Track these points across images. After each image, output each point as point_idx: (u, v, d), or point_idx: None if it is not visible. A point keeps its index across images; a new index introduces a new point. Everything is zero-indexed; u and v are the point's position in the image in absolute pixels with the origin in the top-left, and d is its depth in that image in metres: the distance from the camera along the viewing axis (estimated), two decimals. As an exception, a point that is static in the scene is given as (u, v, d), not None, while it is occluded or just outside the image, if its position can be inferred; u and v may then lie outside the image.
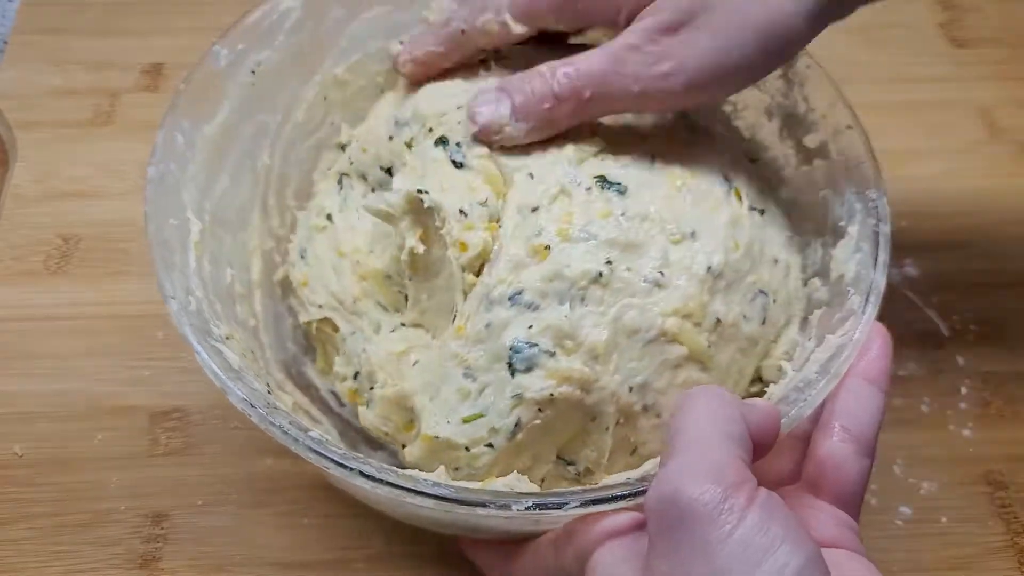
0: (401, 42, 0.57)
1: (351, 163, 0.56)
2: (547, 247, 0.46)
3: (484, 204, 0.48)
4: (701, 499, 0.34)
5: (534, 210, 0.48)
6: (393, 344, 0.50)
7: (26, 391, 0.59)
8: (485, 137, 0.49)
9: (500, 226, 0.48)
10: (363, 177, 0.56)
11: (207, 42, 0.54)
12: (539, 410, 0.45)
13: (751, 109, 0.57)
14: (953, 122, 0.74)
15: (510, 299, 0.45)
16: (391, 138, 0.54)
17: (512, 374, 0.45)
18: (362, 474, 0.40)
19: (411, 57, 0.55)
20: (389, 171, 0.54)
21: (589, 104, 0.48)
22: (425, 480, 0.40)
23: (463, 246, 0.47)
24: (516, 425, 0.45)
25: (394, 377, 0.49)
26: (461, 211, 0.47)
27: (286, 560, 0.53)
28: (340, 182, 0.57)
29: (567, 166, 0.49)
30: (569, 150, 0.49)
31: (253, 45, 0.55)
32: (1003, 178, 0.71)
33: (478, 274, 0.47)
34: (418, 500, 0.39)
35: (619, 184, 0.48)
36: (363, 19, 0.59)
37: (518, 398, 0.45)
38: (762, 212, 0.52)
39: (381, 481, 0.40)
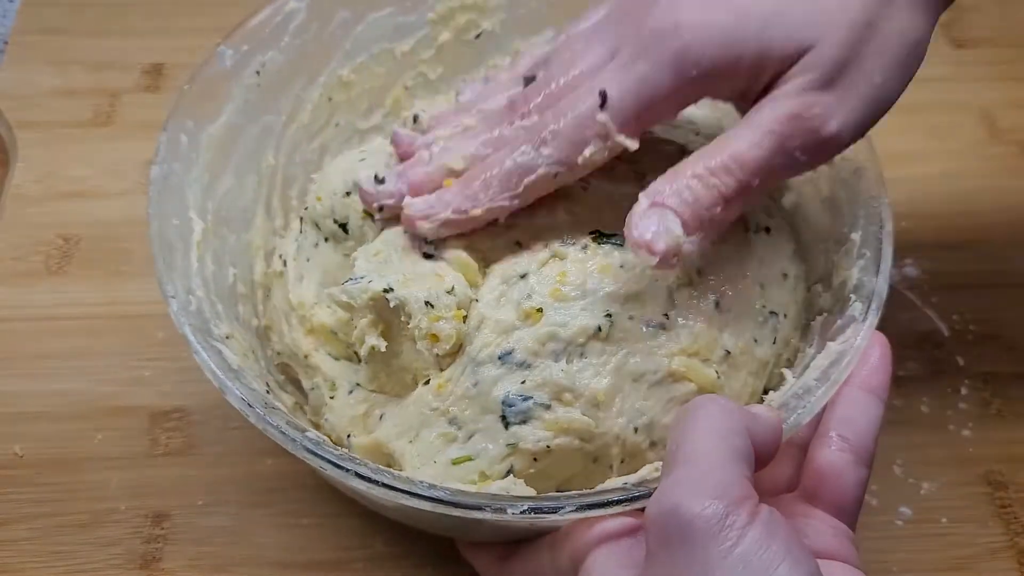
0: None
1: (306, 208, 0.55)
2: (539, 309, 0.44)
3: (451, 292, 0.46)
4: (703, 515, 0.34)
5: (523, 277, 0.46)
6: (354, 408, 0.50)
7: (26, 391, 0.58)
8: (665, 263, 0.42)
9: (477, 300, 0.46)
10: (316, 225, 0.54)
11: (207, 42, 0.54)
12: (534, 459, 0.44)
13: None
14: (953, 122, 0.74)
15: (500, 358, 0.44)
16: (348, 194, 0.52)
17: (506, 426, 0.44)
18: (358, 475, 0.40)
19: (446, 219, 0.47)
20: (344, 227, 0.52)
21: (756, 191, 0.44)
22: (421, 483, 0.40)
23: (434, 338, 0.45)
24: (509, 472, 0.44)
25: (364, 433, 0.49)
26: (427, 303, 0.45)
27: (286, 560, 0.53)
28: (301, 225, 0.55)
29: (558, 231, 0.47)
30: (560, 214, 0.47)
31: (258, 46, 0.55)
32: (1003, 178, 0.71)
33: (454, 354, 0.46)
34: (413, 503, 0.39)
35: (616, 235, 0.47)
36: (368, 21, 0.59)
37: (512, 447, 0.44)
38: (768, 230, 0.51)
39: (376, 483, 0.40)
